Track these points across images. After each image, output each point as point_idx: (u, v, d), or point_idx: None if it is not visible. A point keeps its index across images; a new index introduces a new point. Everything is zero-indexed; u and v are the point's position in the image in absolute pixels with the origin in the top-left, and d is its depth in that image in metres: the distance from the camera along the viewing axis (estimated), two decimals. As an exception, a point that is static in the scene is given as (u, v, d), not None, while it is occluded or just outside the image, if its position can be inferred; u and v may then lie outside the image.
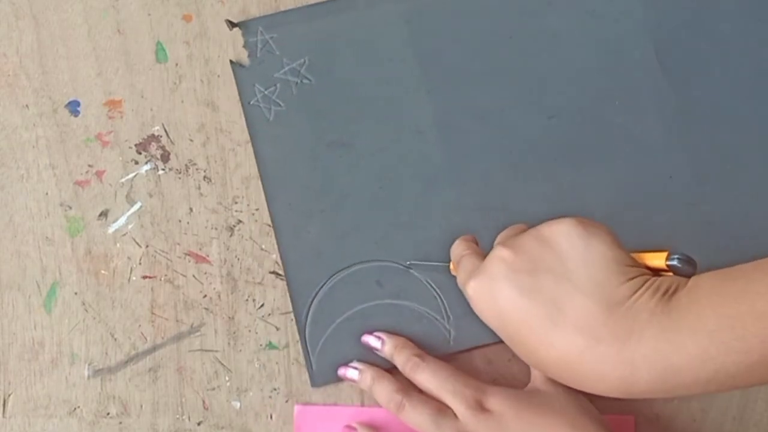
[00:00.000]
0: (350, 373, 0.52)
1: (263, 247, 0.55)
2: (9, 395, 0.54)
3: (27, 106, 0.57)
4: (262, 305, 0.55)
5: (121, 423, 0.54)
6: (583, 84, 0.56)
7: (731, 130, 0.55)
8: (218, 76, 0.57)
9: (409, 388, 0.50)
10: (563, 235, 0.43)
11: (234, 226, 0.56)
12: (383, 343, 0.53)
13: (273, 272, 0.55)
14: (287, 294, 0.55)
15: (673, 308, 0.40)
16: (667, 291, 0.41)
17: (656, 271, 0.43)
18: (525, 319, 0.42)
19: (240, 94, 0.56)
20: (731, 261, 0.41)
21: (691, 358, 0.39)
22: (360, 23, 0.57)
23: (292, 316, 0.55)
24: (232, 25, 0.56)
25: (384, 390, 0.50)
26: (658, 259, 0.43)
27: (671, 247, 0.43)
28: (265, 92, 0.56)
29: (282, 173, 0.55)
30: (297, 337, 0.55)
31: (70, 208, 0.56)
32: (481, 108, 0.56)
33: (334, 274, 0.54)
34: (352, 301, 0.54)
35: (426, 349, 0.53)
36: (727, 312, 0.38)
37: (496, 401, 0.48)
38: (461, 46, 0.57)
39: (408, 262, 0.54)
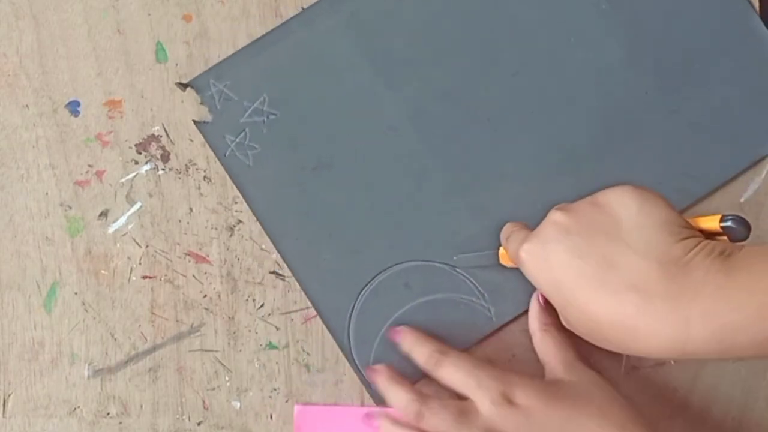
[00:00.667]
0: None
1: (263, 247, 0.55)
2: (9, 395, 0.54)
3: (27, 106, 0.57)
4: (262, 305, 0.55)
5: (121, 423, 0.54)
6: (533, 33, 0.56)
7: (682, 36, 0.56)
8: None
9: (424, 393, 0.49)
10: (617, 200, 0.43)
11: (234, 226, 0.56)
12: (402, 338, 0.52)
13: (273, 272, 0.55)
14: (287, 294, 0.55)
15: (731, 268, 0.40)
16: (722, 252, 0.41)
17: (710, 235, 0.43)
18: (578, 278, 0.42)
19: (213, 150, 0.55)
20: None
21: (747, 316, 0.38)
22: (303, 45, 0.56)
23: (292, 316, 0.55)
24: (183, 86, 0.56)
25: (399, 398, 0.49)
26: (711, 222, 0.43)
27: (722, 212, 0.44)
28: (237, 140, 0.55)
29: (278, 212, 0.55)
30: (297, 337, 0.55)
31: (70, 208, 0.56)
32: (444, 87, 0.56)
33: (360, 292, 0.54)
34: (387, 312, 0.54)
35: (473, 332, 0.53)
36: None
37: (522, 394, 0.46)
38: (407, 34, 0.57)
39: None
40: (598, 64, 0.56)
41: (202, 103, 0.56)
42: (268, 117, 0.56)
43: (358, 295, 0.54)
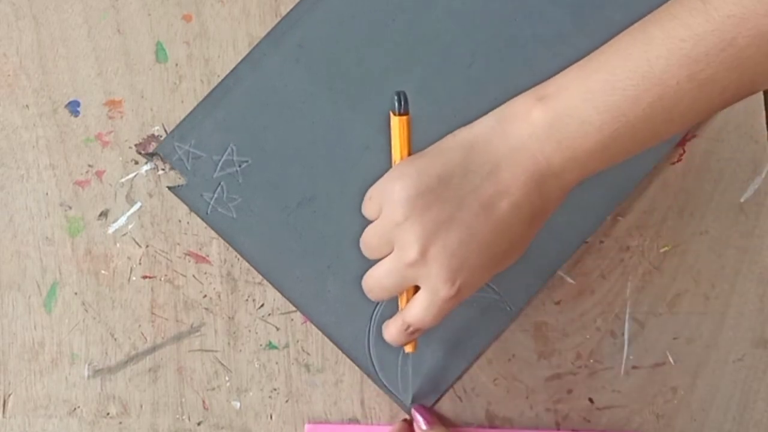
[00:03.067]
0: None
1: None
2: (9, 395, 0.54)
3: (27, 106, 0.57)
4: (262, 305, 0.55)
5: (121, 423, 0.54)
6: (480, 19, 0.57)
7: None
8: (218, 76, 0.57)
9: None
10: (408, 200, 0.42)
11: (234, 226, 0.56)
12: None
13: (273, 272, 0.55)
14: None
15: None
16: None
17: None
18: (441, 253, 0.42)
19: (194, 211, 0.55)
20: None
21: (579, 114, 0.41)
22: (256, 87, 0.56)
23: (292, 316, 0.55)
24: (150, 155, 0.56)
25: None
26: (399, 124, 0.45)
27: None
28: (215, 196, 0.55)
29: (273, 256, 0.55)
30: (297, 337, 0.55)
31: (70, 208, 0.56)
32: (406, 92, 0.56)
33: (372, 315, 0.54)
34: None
35: (492, 327, 0.54)
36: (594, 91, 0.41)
37: None
38: (354, 51, 0.57)
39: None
40: (548, 36, 0.57)
41: (172, 169, 0.56)
42: (240, 166, 0.55)
43: (371, 318, 0.54)
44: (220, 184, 0.55)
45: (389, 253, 0.44)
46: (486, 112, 0.53)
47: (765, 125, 0.57)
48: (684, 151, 0.57)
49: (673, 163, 0.56)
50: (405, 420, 0.53)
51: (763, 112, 0.57)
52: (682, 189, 0.56)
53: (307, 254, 0.55)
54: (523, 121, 0.42)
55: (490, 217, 0.42)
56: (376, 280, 0.45)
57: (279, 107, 0.56)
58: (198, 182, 0.55)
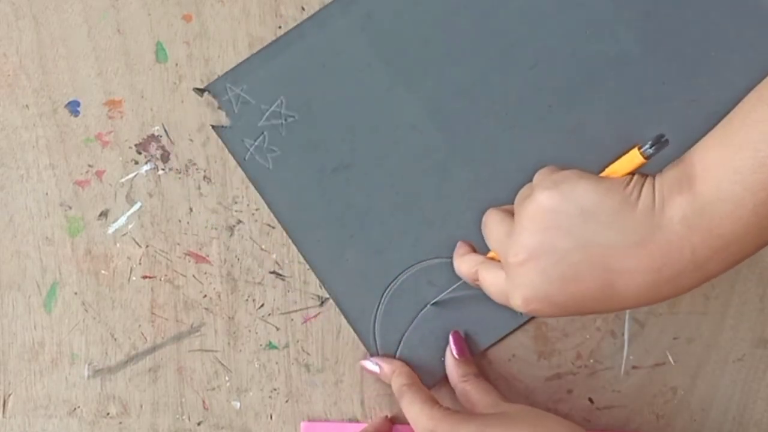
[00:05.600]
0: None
1: (263, 247, 0.55)
2: (9, 395, 0.54)
3: (27, 106, 0.57)
4: (262, 305, 0.55)
5: (121, 423, 0.54)
6: (548, 25, 0.56)
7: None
8: (218, 76, 0.57)
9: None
10: (544, 212, 0.41)
11: (234, 226, 0.56)
12: (381, 368, 0.53)
13: (273, 272, 0.55)
14: (287, 294, 0.55)
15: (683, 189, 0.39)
16: (660, 172, 0.40)
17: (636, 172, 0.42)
18: (583, 292, 0.41)
19: (233, 154, 0.56)
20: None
21: (723, 202, 0.38)
22: (318, 47, 0.56)
23: (292, 316, 0.55)
24: (200, 91, 0.56)
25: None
26: (633, 159, 0.41)
27: (637, 142, 0.42)
28: (256, 144, 0.55)
29: (299, 214, 0.55)
30: (297, 337, 0.55)
31: (70, 208, 0.56)
32: (462, 83, 0.56)
33: (385, 291, 0.54)
34: (411, 310, 0.54)
35: (501, 325, 0.54)
36: (737, 164, 0.38)
37: (446, 428, 0.47)
38: (422, 33, 0.57)
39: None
40: (613, 55, 0.56)
41: (219, 108, 0.56)
42: (286, 120, 0.56)
43: (383, 295, 0.54)
44: (263, 133, 0.56)
45: (501, 237, 0.44)
46: (539, 116, 0.55)
47: (765, 125, 0.57)
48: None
49: (673, 163, 0.56)
50: (386, 417, 0.54)
51: (763, 112, 0.57)
52: (682, 189, 0.56)
53: (332, 219, 0.55)
54: (672, 204, 0.39)
55: (604, 281, 0.40)
56: (471, 260, 0.48)
57: (335, 71, 0.56)
58: (242, 127, 0.56)
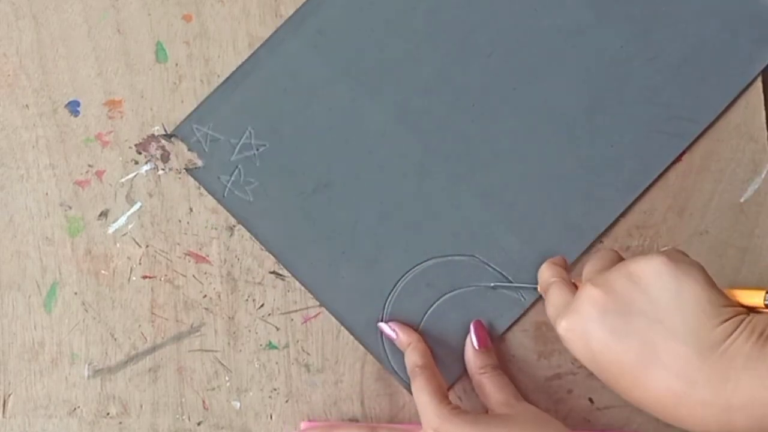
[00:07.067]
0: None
1: (263, 247, 0.55)
2: (9, 395, 0.54)
3: (27, 106, 0.57)
4: (262, 305, 0.55)
5: (121, 423, 0.54)
6: (499, 9, 0.57)
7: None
8: (218, 76, 0.57)
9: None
10: (654, 276, 0.42)
11: (234, 226, 0.56)
12: (397, 335, 0.53)
13: (273, 272, 0.55)
14: (287, 294, 0.55)
15: None
16: (762, 332, 0.40)
17: (752, 309, 0.42)
18: (618, 362, 0.42)
19: (211, 193, 0.55)
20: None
21: None
22: (275, 72, 0.56)
23: (292, 316, 0.55)
24: (168, 137, 0.56)
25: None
26: (755, 297, 0.42)
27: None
28: (232, 179, 0.55)
29: (288, 241, 0.55)
30: (297, 337, 0.55)
31: (70, 208, 0.56)
32: (424, 81, 0.56)
33: (386, 301, 0.54)
34: (415, 315, 0.54)
35: (504, 317, 0.54)
36: None
37: (450, 429, 0.47)
38: (374, 37, 0.57)
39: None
40: (568, 27, 0.57)
41: (189, 150, 0.56)
42: (258, 149, 0.56)
43: (384, 306, 0.54)
44: (237, 167, 0.56)
45: (594, 269, 0.46)
46: (505, 100, 0.55)
47: (765, 125, 0.57)
48: (684, 151, 0.57)
49: (673, 163, 0.56)
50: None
51: (763, 112, 0.57)
52: (682, 189, 0.56)
53: (321, 240, 0.55)
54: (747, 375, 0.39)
55: (644, 360, 0.41)
56: (556, 272, 0.49)
57: (297, 93, 0.56)
58: (215, 165, 0.56)
